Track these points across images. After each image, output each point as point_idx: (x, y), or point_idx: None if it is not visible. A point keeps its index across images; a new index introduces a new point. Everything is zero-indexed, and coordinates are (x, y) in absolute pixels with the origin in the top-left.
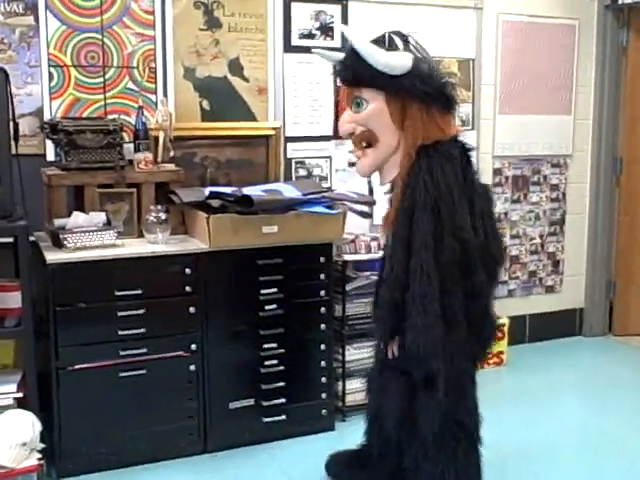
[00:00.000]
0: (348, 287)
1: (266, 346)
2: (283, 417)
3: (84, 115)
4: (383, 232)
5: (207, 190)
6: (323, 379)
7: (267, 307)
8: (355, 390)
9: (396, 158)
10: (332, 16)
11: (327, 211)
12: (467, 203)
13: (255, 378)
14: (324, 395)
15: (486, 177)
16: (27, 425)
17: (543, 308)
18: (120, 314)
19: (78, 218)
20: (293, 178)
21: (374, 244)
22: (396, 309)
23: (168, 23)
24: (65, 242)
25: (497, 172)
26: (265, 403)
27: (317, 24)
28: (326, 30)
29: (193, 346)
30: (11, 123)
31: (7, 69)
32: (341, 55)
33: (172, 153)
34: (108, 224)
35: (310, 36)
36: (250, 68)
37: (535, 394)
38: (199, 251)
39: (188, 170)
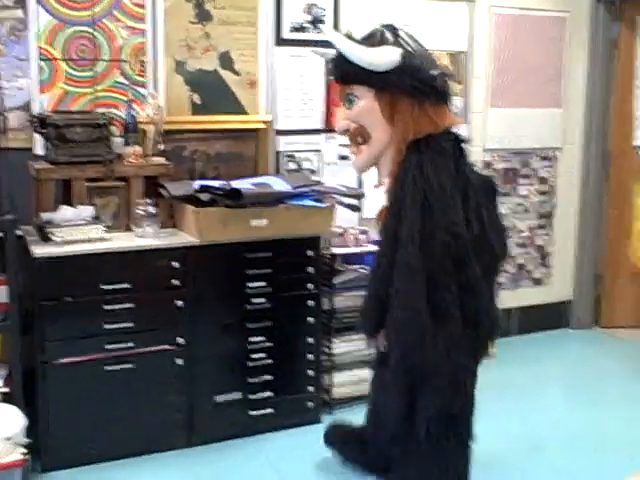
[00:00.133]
0: (336, 280)
1: (254, 339)
2: (270, 410)
3: (74, 109)
4: (376, 227)
5: (196, 184)
6: (310, 372)
7: (255, 300)
8: (342, 383)
9: (389, 153)
10: (324, 9)
11: (316, 204)
12: (460, 196)
13: (242, 371)
14: (311, 388)
15: None
16: (12, 420)
17: (531, 301)
18: (107, 308)
19: (66, 212)
20: (283, 171)
21: (363, 237)
22: (380, 303)
23: (159, 16)
24: (52, 236)
25: (487, 165)
26: (252, 396)
27: (309, 17)
28: (318, 23)
29: (180, 340)
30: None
31: None
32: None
33: (162, 147)
34: (96, 218)
35: (302, 29)
36: (241, 61)
37: (522, 386)
38: (188, 245)
39: (177, 164)
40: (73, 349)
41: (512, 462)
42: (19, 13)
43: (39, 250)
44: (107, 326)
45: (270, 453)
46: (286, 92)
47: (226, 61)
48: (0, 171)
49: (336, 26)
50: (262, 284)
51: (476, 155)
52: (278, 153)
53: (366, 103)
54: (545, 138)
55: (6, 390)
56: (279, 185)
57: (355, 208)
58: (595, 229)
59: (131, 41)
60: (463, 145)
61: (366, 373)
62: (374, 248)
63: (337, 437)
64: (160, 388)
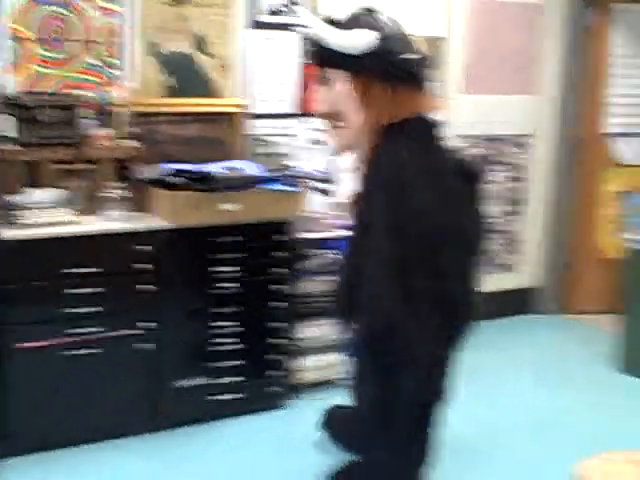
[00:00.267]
0: (307, 265)
1: (223, 324)
2: (237, 395)
3: (45, 90)
4: (350, 212)
5: (168, 167)
6: (278, 357)
7: (225, 285)
8: (309, 368)
9: (364, 138)
10: None
11: (288, 189)
12: (432, 182)
13: (210, 356)
14: (278, 373)
15: None
16: None
17: (499, 286)
18: (76, 292)
19: (33, 194)
20: (256, 156)
21: (334, 222)
22: (352, 290)
23: None
24: (19, 219)
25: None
26: (220, 381)
27: (285, 0)
28: (294, 6)
29: (150, 324)
30: None
31: None
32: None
33: (133, 129)
34: (66, 201)
35: (278, 12)
36: (215, 44)
37: (490, 371)
38: (159, 228)
39: (149, 147)
40: (37, 333)
41: (479, 446)
42: None
43: (5, 233)
44: (74, 310)
45: (236, 438)
46: (261, 76)
47: (201, 44)
48: None
49: (314, 9)
50: (232, 268)
51: (450, 141)
52: (252, 137)
53: (341, 87)
54: (518, 125)
55: None
56: (251, 169)
57: (327, 193)
58: (564, 216)
59: (104, 22)
60: (439, 130)
61: (334, 358)
62: (346, 233)
63: (335, 421)
64: (128, 373)
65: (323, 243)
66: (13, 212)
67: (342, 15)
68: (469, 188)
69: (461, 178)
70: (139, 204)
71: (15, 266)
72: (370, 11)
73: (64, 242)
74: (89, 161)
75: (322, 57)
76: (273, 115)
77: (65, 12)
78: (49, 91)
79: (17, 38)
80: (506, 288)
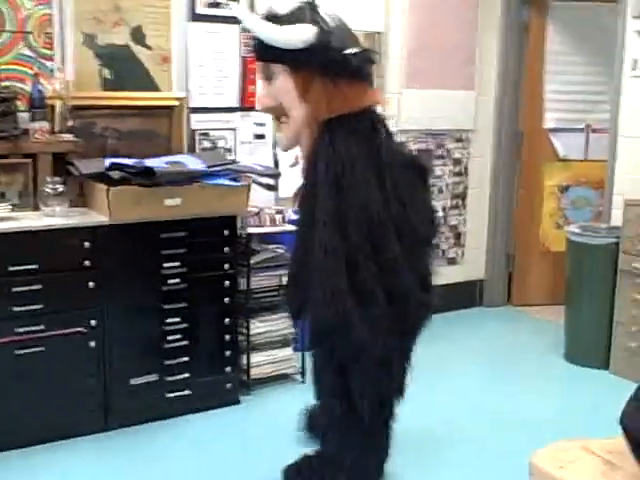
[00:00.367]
0: (252, 260)
1: (169, 321)
2: (187, 392)
3: None
4: (294, 207)
5: (107, 161)
6: (227, 353)
7: (170, 281)
8: (260, 363)
9: (305, 132)
10: None
11: (231, 183)
12: (376, 175)
13: (158, 353)
14: (229, 369)
15: None
16: None
17: (445, 280)
18: (15, 290)
19: None
20: (197, 150)
21: (279, 217)
22: (300, 285)
23: None
24: None
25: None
26: (169, 378)
27: None
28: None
29: (93, 322)
30: None
31: None
32: None
33: (70, 123)
34: (1, 196)
35: (217, 5)
36: (153, 36)
37: (438, 364)
38: (98, 224)
39: (87, 141)
40: None
41: (428, 439)
42: None
43: None
44: (16, 308)
45: (192, 435)
46: (200, 69)
47: (138, 35)
48: None
49: (252, 3)
50: (177, 264)
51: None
52: (193, 131)
53: (282, 81)
54: (459, 120)
55: None
56: (194, 164)
57: (271, 187)
58: (506, 209)
59: (36, 12)
60: (382, 124)
61: (284, 353)
62: (290, 228)
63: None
64: (73, 371)
65: (269, 238)
66: None
67: (283, 9)
68: (419, 182)
69: (411, 172)
70: (79, 199)
71: None
72: (312, 5)
73: (2, 239)
74: (26, 155)
75: (262, 52)
76: (214, 109)
77: None
78: None
79: None
80: (452, 281)
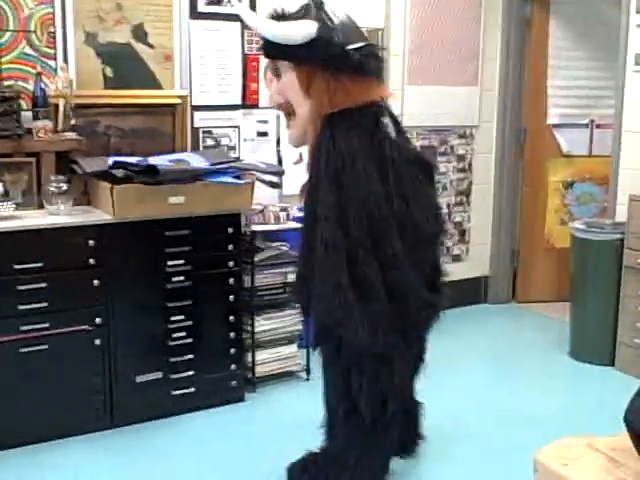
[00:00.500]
0: (257, 258)
1: (174, 318)
2: (192, 389)
3: None
4: (300, 204)
5: (111, 160)
6: (232, 350)
7: (174, 279)
8: (265, 361)
9: (309, 128)
10: None
11: (235, 181)
12: (378, 170)
13: (163, 351)
14: (233, 366)
15: None
16: None
17: (450, 276)
18: (20, 288)
19: None
20: (200, 148)
21: (283, 214)
22: (306, 281)
23: None
24: None
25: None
26: (173, 376)
27: None
28: None
29: (98, 320)
30: None
31: None
32: None
33: (73, 121)
34: (5, 195)
35: (218, 2)
36: (155, 34)
37: (443, 360)
38: (103, 222)
39: (91, 139)
40: None
41: (434, 436)
42: None
43: None
44: (21, 307)
45: (192, 433)
46: (202, 67)
47: (140, 34)
48: None
49: (253, 1)
50: (181, 262)
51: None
52: (196, 129)
53: (287, 77)
54: (462, 116)
55: None
56: (197, 162)
57: (275, 185)
58: (511, 206)
59: (38, 11)
60: (391, 119)
61: (289, 350)
62: (295, 225)
63: None
64: (79, 369)
65: (273, 235)
66: None
67: (290, 7)
68: (424, 178)
69: (416, 168)
70: (83, 198)
71: None
72: (317, 3)
73: (7, 238)
74: (29, 154)
75: (268, 49)
76: (216, 107)
77: None
78: None
79: None
80: (457, 278)
